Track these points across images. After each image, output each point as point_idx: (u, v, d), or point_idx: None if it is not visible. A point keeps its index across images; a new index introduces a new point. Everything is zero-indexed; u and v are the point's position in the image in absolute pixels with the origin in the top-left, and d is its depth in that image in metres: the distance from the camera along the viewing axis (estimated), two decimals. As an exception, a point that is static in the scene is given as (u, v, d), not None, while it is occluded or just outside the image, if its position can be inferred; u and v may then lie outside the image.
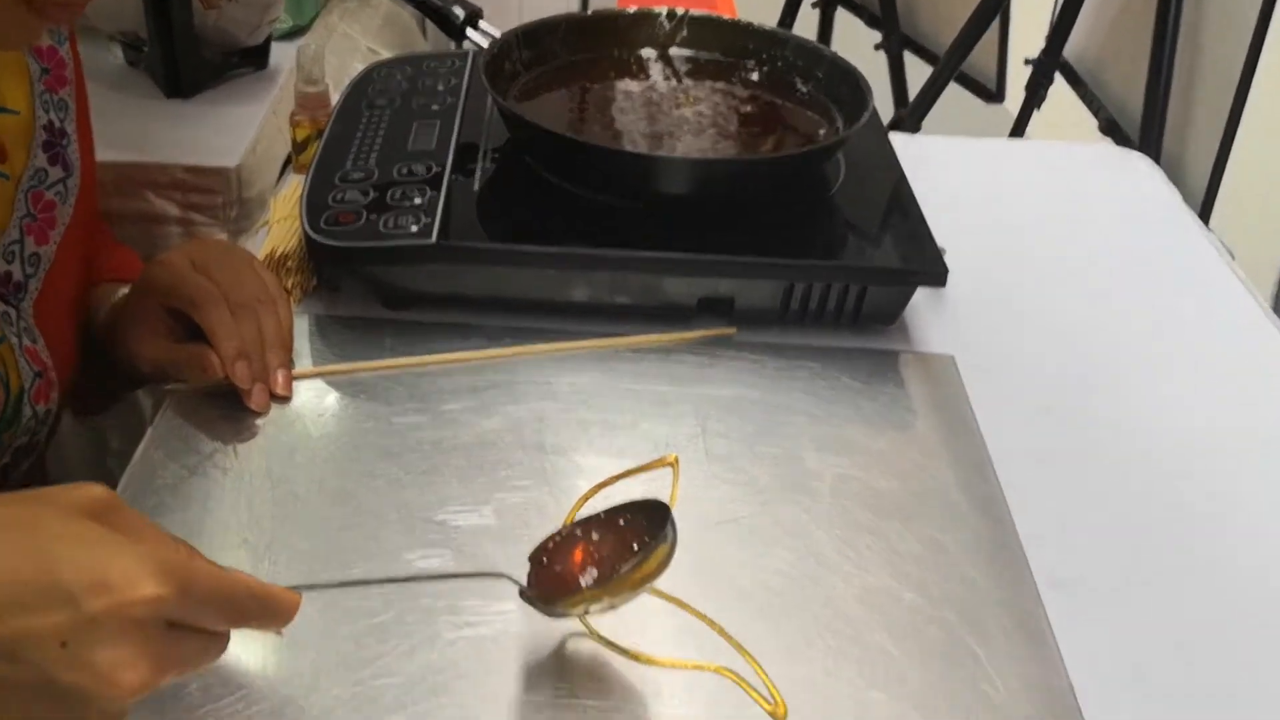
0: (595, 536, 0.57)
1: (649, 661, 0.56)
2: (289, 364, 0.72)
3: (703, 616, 0.59)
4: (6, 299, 0.68)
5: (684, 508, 0.64)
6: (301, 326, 0.77)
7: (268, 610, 0.48)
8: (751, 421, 0.72)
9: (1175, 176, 1.17)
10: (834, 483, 0.68)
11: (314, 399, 0.72)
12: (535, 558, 0.57)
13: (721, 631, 0.58)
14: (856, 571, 0.62)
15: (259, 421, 0.69)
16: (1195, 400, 0.81)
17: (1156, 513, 0.71)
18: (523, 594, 0.55)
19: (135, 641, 0.42)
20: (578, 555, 0.56)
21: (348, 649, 0.56)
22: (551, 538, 0.57)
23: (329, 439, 0.69)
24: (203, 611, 0.45)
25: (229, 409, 0.70)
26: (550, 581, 0.56)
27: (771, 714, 0.54)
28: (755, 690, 0.55)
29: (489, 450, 0.68)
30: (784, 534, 0.64)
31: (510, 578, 0.56)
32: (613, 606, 0.54)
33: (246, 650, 0.55)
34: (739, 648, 0.57)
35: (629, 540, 0.56)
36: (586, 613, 0.54)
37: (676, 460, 0.59)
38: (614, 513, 0.58)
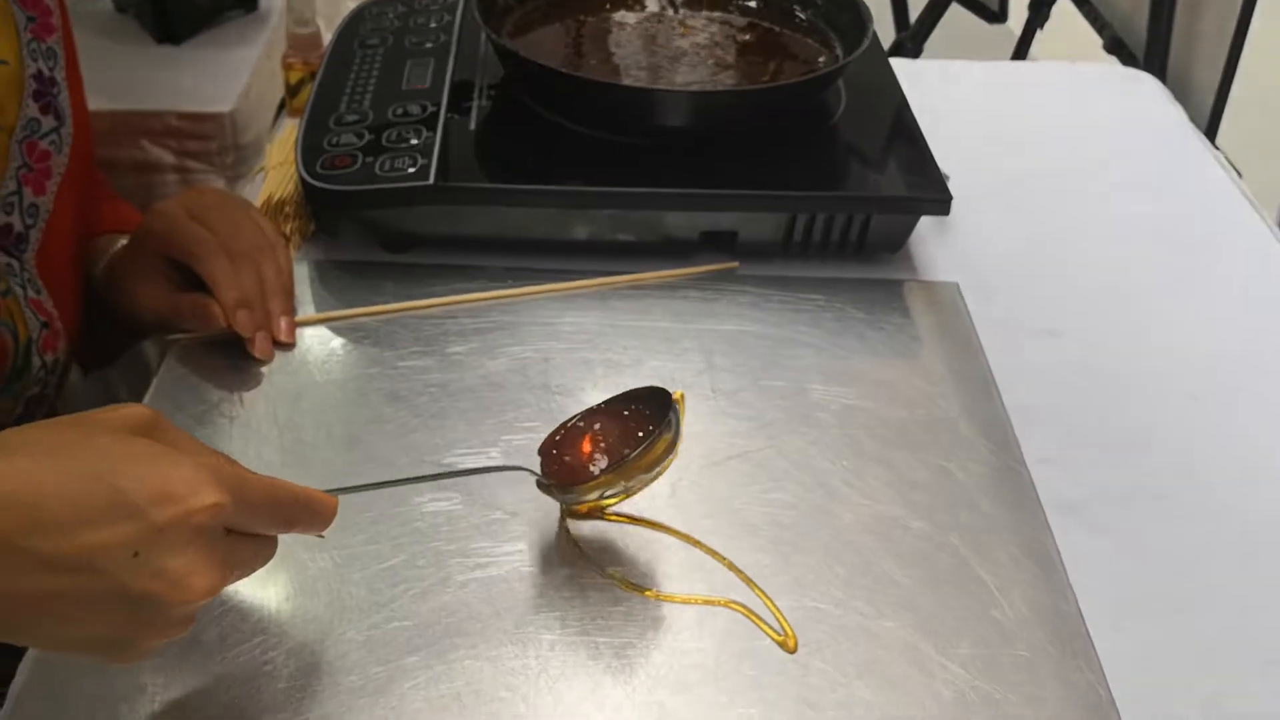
0: (599, 426, 0.58)
1: (659, 597, 0.57)
2: (291, 311, 0.72)
3: (712, 551, 0.59)
4: (8, 251, 0.68)
5: (691, 444, 0.65)
6: (302, 272, 0.77)
7: (310, 512, 0.49)
8: (757, 355, 0.72)
9: (1181, 95, 1.15)
10: (841, 414, 0.68)
11: (318, 345, 0.72)
12: (545, 450, 0.58)
13: (731, 566, 0.58)
14: (864, 501, 0.62)
15: (264, 369, 0.69)
16: (1202, 320, 0.80)
17: (1163, 435, 0.71)
18: (539, 484, 0.56)
19: (202, 548, 0.44)
20: (585, 445, 0.57)
21: (360, 594, 0.56)
22: (558, 430, 0.59)
23: (334, 384, 0.69)
24: (256, 517, 0.47)
25: (233, 357, 0.70)
26: (561, 471, 0.57)
27: (782, 646, 0.55)
28: (765, 623, 0.56)
29: (495, 392, 0.68)
30: (792, 467, 0.64)
31: (528, 469, 0.57)
32: (626, 490, 0.56)
33: (262, 597, 0.56)
34: (749, 581, 0.58)
35: (633, 430, 0.57)
36: (601, 497, 0.56)
37: (682, 397, 0.59)
38: (616, 403, 0.59)
